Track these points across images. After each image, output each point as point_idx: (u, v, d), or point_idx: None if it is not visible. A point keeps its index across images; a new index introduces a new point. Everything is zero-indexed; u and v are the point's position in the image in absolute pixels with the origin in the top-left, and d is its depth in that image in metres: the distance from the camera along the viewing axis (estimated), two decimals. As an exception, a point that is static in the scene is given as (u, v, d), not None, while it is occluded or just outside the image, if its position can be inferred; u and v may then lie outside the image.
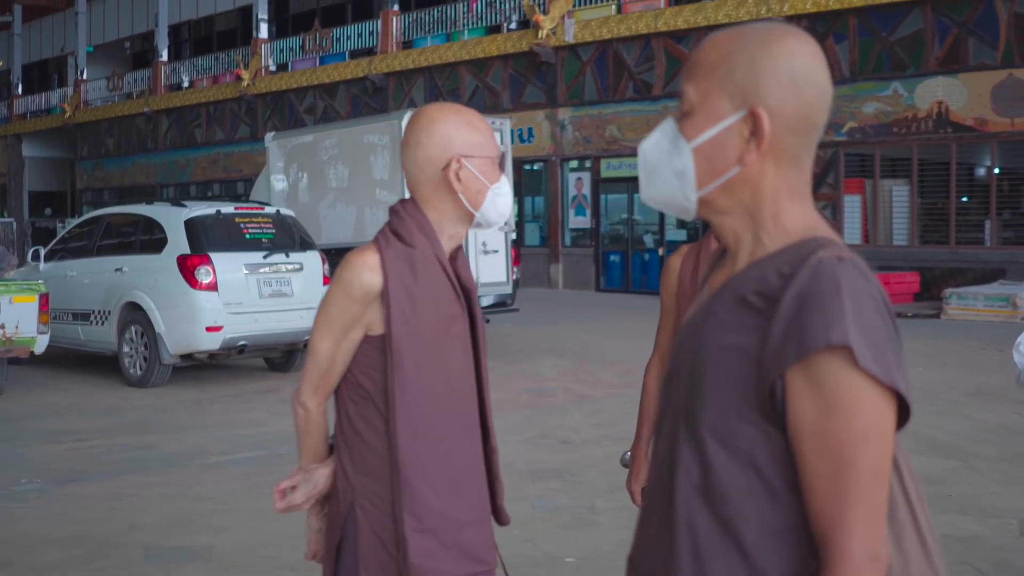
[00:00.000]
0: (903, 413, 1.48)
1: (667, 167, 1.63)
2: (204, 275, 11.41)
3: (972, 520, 6.28)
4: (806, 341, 1.43)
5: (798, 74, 1.54)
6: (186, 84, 38.45)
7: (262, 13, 34.96)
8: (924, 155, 20.57)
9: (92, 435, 9.26)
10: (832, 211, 20.85)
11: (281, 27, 36.35)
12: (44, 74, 48.85)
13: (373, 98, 30.52)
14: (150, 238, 12.10)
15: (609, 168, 25.57)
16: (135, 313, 11.90)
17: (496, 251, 14.15)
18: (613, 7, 25.57)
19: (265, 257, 11.88)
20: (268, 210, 12.74)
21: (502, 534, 2.77)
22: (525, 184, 26.52)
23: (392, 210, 2.58)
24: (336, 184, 14.68)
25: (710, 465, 1.54)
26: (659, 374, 3.51)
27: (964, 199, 20.71)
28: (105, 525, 6.44)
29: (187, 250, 11.53)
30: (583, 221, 26.22)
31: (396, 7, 30.89)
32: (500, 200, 2.56)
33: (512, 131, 15.96)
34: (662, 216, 24.94)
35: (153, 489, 7.34)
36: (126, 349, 12.06)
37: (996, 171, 20.05)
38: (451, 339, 2.52)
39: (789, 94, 1.54)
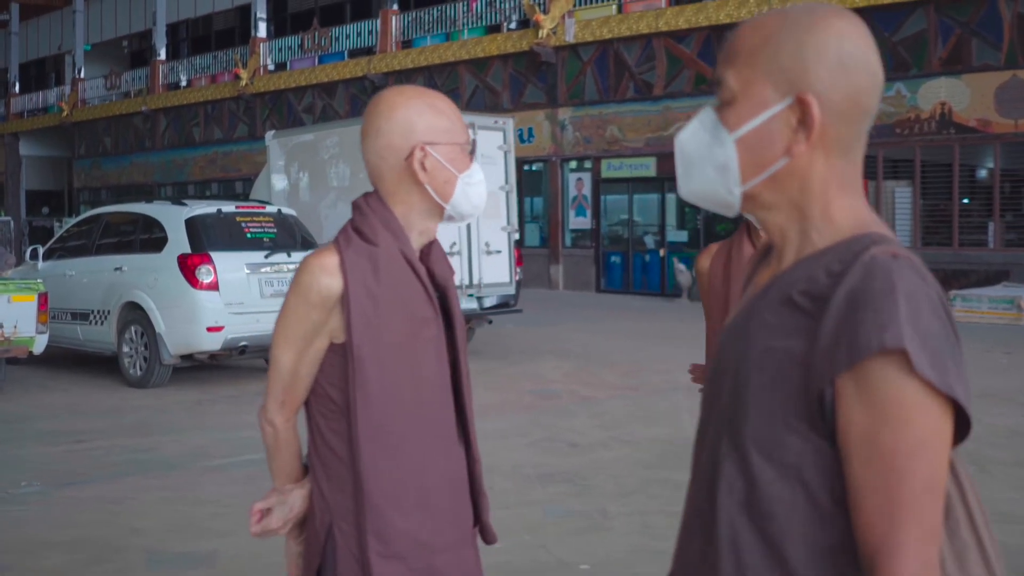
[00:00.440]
0: (961, 425, 1.38)
1: (707, 160, 1.53)
2: (205, 274, 11.29)
3: (990, 526, 6.16)
4: (858, 344, 1.33)
5: (847, 57, 1.44)
6: (184, 83, 38.34)
7: (260, 12, 34.87)
8: (927, 156, 20.48)
9: (92, 436, 9.14)
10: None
11: (279, 26, 36.26)
12: (41, 73, 48.77)
13: (372, 97, 30.38)
14: (150, 237, 11.98)
15: (610, 168, 25.47)
16: (135, 313, 11.78)
17: (499, 251, 14.03)
18: (614, 7, 25.48)
19: (266, 257, 11.76)
20: (269, 209, 12.63)
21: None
22: (525, 184, 26.40)
23: (354, 205, 2.36)
24: (337, 183, 14.56)
25: (755, 479, 1.44)
26: None
27: (967, 201, 20.61)
28: (106, 529, 6.32)
29: (188, 249, 11.41)
30: (583, 222, 26.12)
31: (395, 6, 30.80)
32: (472, 190, 2.35)
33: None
34: (663, 217, 24.88)
35: (154, 492, 7.21)
36: (126, 349, 11.94)
37: (1000, 172, 19.95)
38: (422, 343, 2.31)
39: (839, 78, 1.44)
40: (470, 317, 13.69)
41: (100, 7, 42.74)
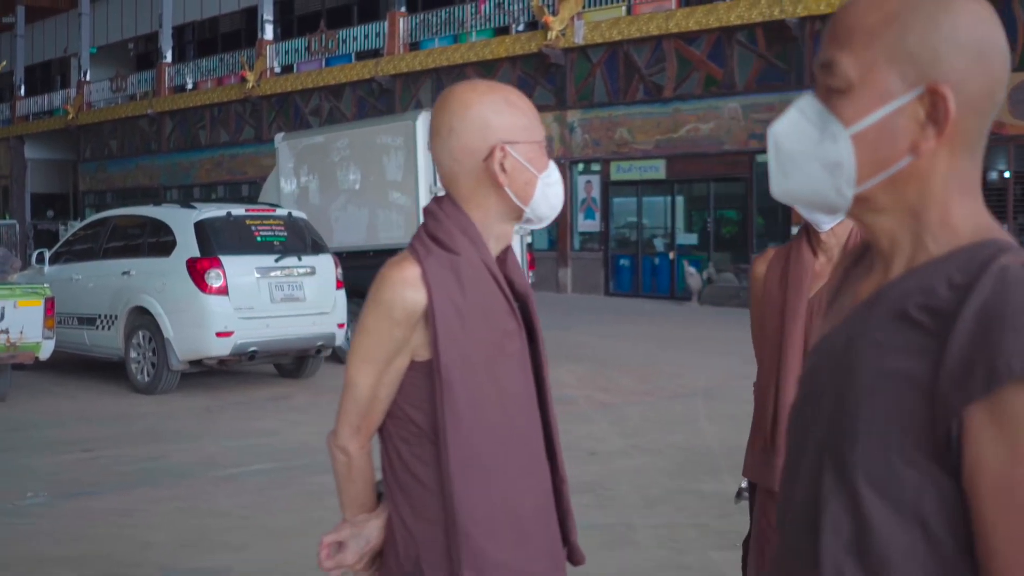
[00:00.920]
0: None
1: (813, 157, 1.32)
2: (214, 279, 11.11)
3: None
4: (995, 369, 1.13)
5: (984, 42, 1.25)
6: (190, 86, 38.21)
7: (267, 14, 34.73)
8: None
9: (100, 445, 8.96)
10: (847, 215, 20.56)
11: (286, 28, 36.13)
12: (47, 75, 48.66)
13: (380, 100, 30.26)
14: (158, 240, 11.81)
15: (619, 171, 25.30)
16: (143, 318, 11.60)
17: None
18: (623, 8, 25.30)
19: (277, 260, 11.59)
20: (279, 212, 12.45)
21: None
22: (534, 187, 26.22)
23: (427, 211, 2.18)
24: (348, 186, 14.38)
25: (866, 520, 1.24)
26: (775, 393, 3.19)
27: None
28: (117, 543, 6.13)
29: (197, 253, 11.23)
30: (592, 224, 25.94)
31: (403, 8, 30.63)
32: (551, 190, 2.20)
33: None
34: (672, 219, 24.69)
35: (165, 503, 7.02)
36: (133, 355, 11.76)
37: (1014, 175, 19.75)
38: (507, 359, 2.14)
39: (974, 67, 1.25)
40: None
41: (106, 9, 42.64)
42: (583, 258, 25.83)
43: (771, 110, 22.39)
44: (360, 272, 13.21)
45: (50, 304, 10.87)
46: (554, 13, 25.84)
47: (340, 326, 12.10)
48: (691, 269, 22.88)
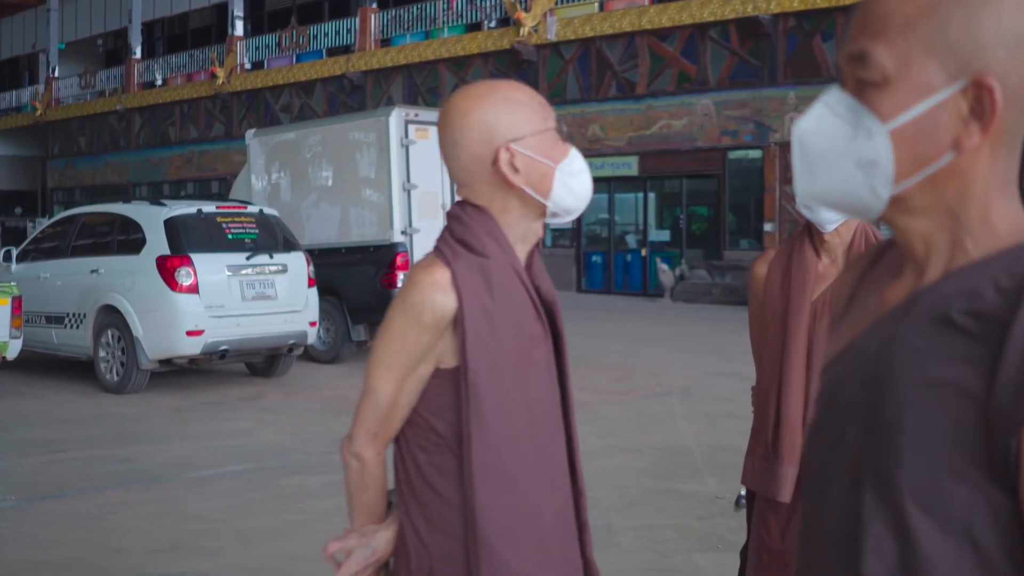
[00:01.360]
0: None
1: (846, 155, 1.23)
2: (184, 277, 10.97)
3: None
4: None
5: None
6: (160, 82, 37.94)
7: (237, 10, 34.50)
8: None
9: (69, 446, 8.81)
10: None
11: (257, 24, 35.89)
12: (15, 71, 48.18)
13: (351, 96, 30.10)
14: (127, 238, 11.64)
15: (591, 168, 24.76)
16: (112, 316, 11.44)
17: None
18: (596, 5, 25.28)
19: (248, 258, 11.46)
20: (251, 209, 12.31)
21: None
22: (506, 184, 26.16)
23: (451, 215, 2.10)
24: (320, 183, 14.25)
25: (914, 541, 1.15)
26: (776, 398, 3.11)
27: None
28: (89, 548, 6.00)
29: (167, 251, 11.09)
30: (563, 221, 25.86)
31: (374, 4, 30.49)
32: (573, 180, 2.08)
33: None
34: (644, 216, 24.67)
35: (136, 507, 6.89)
36: (102, 354, 11.60)
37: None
38: (533, 366, 2.07)
39: (1018, 58, 1.16)
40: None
41: (75, 5, 42.23)
42: (555, 255, 25.78)
43: (744, 107, 22.40)
44: (332, 270, 13.13)
45: (17, 303, 10.71)
46: (526, 9, 25.77)
47: (312, 324, 12.00)
48: (663, 266, 22.88)
